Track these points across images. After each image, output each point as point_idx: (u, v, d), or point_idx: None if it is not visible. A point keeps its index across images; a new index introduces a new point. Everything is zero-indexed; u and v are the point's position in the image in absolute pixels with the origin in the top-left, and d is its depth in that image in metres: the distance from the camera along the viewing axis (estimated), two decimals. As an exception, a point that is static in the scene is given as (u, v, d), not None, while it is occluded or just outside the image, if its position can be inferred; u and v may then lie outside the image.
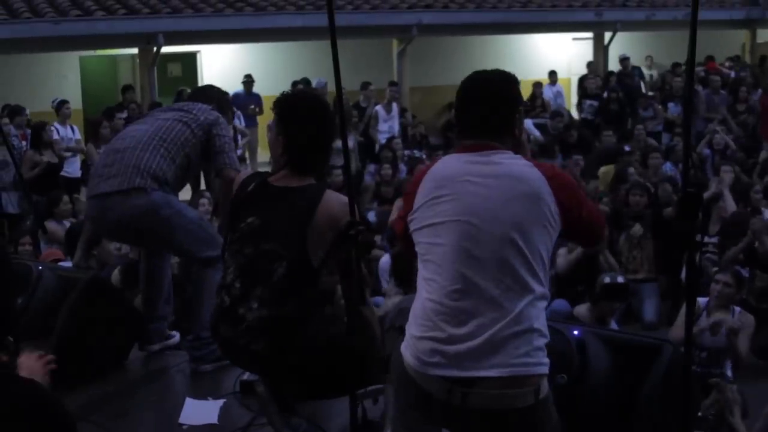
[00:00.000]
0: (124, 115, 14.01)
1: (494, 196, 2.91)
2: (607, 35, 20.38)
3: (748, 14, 21.54)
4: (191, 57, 18.76)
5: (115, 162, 4.82)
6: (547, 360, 2.89)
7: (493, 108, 3.08)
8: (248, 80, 16.26)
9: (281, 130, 3.82)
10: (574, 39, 21.06)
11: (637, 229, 9.19)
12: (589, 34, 20.69)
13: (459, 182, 2.98)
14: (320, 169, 3.90)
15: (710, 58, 20.02)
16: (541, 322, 2.89)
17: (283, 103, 3.82)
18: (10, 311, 2.27)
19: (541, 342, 2.88)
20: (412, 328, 2.99)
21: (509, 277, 2.85)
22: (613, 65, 20.03)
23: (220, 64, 18.15)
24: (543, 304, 2.91)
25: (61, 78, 17.27)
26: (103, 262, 7.08)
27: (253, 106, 15.75)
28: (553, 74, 18.70)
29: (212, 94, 5.36)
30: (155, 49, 15.66)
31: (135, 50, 16.74)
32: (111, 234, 5.07)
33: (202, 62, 18.67)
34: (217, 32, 16.00)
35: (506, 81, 3.15)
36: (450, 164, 3.10)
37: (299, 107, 3.86)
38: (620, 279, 7.64)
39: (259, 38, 17.02)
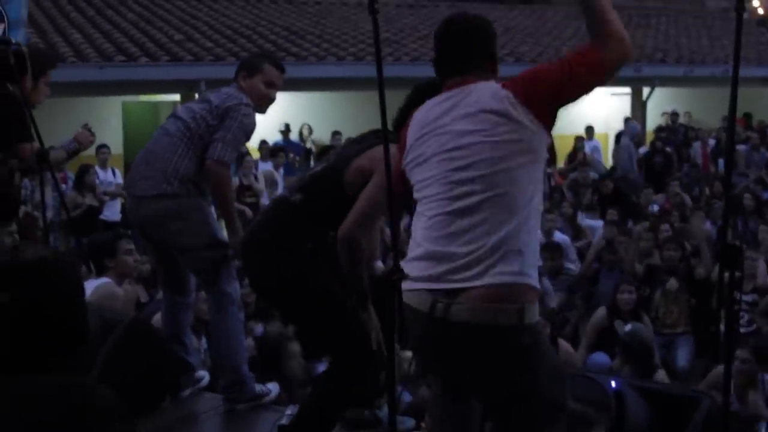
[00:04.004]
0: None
1: (469, 130, 3.01)
2: (646, 90, 20.43)
3: (787, 72, 21.43)
4: (231, 104, 18.81)
5: (149, 161, 4.99)
6: (535, 276, 2.94)
7: (463, 41, 3.22)
8: (287, 129, 16.39)
9: None
10: (613, 94, 21.10)
11: (673, 283, 9.15)
12: (627, 90, 20.73)
13: (437, 123, 3.11)
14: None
15: (747, 116, 19.96)
16: (529, 245, 2.94)
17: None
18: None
19: (529, 258, 2.93)
20: (407, 259, 3.10)
21: (492, 199, 2.92)
22: (651, 120, 20.03)
23: (260, 112, 18.18)
24: (531, 223, 2.96)
25: (103, 122, 17.47)
26: (120, 274, 6.78)
27: (292, 155, 15.81)
28: (589, 130, 18.72)
29: (255, 62, 5.54)
30: (197, 95, 15.79)
31: (177, 96, 16.96)
32: (142, 229, 5.18)
33: (243, 110, 18.71)
34: (258, 80, 16.03)
35: (474, 16, 3.28)
36: (430, 107, 3.22)
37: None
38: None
39: (299, 87, 17.16)
